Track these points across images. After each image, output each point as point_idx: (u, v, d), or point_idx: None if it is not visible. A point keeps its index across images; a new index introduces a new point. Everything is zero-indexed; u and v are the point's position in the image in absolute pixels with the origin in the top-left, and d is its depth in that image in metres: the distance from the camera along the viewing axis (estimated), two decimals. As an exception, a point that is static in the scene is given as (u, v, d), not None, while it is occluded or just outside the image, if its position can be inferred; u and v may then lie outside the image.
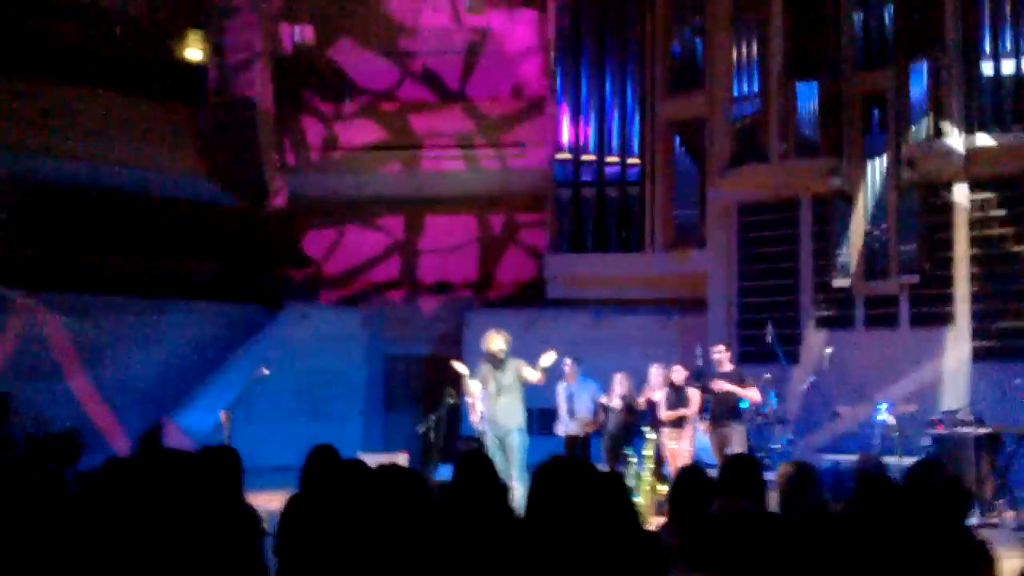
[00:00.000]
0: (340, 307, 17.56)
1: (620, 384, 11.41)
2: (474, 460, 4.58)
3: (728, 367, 10.79)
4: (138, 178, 16.59)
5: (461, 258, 18.15)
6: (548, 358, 9.30)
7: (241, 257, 17.71)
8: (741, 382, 10.56)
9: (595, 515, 2.14)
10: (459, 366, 10.29)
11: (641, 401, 11.29)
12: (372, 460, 4.96)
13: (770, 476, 5.68)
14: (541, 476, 2.29)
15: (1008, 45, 12.38)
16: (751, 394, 10.53)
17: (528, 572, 2.58)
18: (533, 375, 9.35)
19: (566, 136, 16.26)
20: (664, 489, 9.59)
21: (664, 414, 10.75)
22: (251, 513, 4.02)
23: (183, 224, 17.01)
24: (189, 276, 16.61)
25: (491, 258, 18.10)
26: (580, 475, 2.24)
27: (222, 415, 10.40)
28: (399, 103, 18.28)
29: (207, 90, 16.81)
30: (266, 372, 11.51)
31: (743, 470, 4.72)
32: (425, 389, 16.60)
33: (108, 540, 1.97)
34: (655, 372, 11.17)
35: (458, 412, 11.70)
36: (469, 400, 10.88)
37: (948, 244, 13.28)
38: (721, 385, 10.44)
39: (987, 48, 12.48)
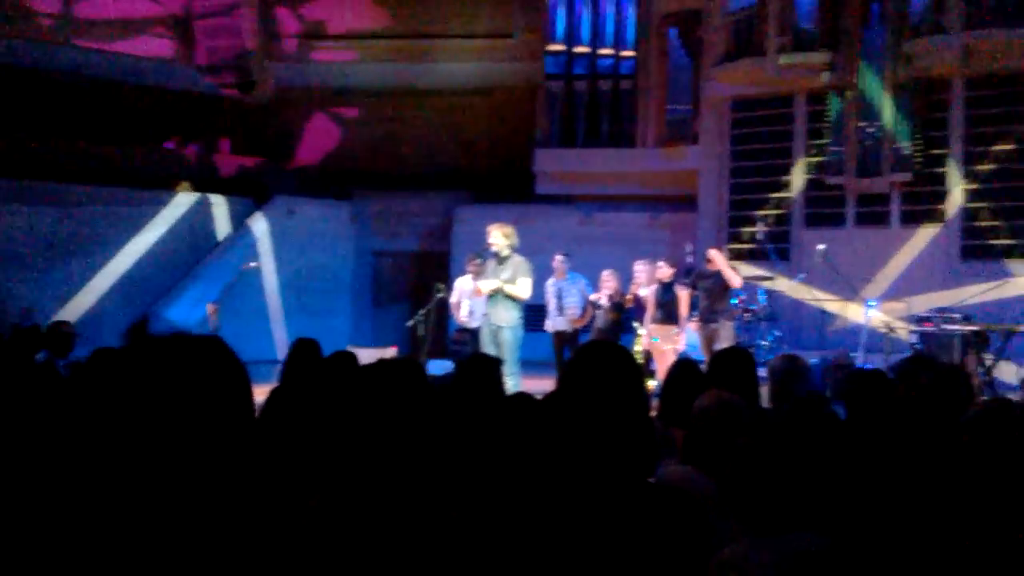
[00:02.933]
0: (327, 201, 17.37)
1: (608, 281, 11.37)
2: (478, 361, 4.57)
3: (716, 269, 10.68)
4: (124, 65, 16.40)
5: (448, 150, 17.91)
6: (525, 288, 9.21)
7: (227, 147, 17.46)
8: (726, 288, 10.44)
9: (622, 400, 2.12)
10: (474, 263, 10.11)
11: (629, 298, 11.27)
12: (362, 354, 4.93)
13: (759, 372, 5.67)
14: (584, 353, 2.25)
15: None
16: (734, 277, 10.29)
17: (541, 451, 2.55)
18: (519, 292, 9.21)
19: (560, 27, 15.92)
20: (652, 384, 9.64)
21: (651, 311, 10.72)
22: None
23: (168, 112, 16.76)
24: (173, 166, 16.36)
25: (477, 151, 17.85)
26: (621, 358, 2.21)
27: (209, 308, 10.38)
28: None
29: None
30: (255, 265, 11.47)
31: (734, 363, 4.67)
32: (413, 284, 16.57)
33: (102, 425, 1.93)
34: (640, 269, 11.12)
35: (447, 307, 11.67)
36: (452, 300, 10.81)
37: (943, 142, 13.15)
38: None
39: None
